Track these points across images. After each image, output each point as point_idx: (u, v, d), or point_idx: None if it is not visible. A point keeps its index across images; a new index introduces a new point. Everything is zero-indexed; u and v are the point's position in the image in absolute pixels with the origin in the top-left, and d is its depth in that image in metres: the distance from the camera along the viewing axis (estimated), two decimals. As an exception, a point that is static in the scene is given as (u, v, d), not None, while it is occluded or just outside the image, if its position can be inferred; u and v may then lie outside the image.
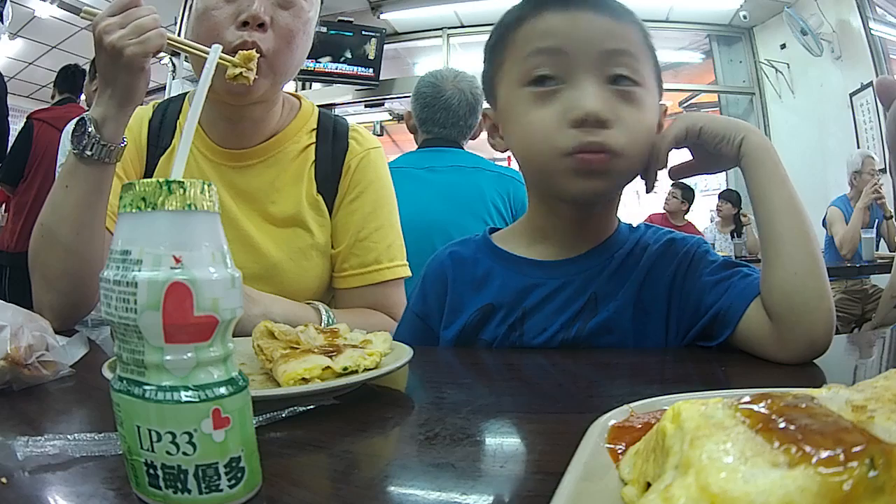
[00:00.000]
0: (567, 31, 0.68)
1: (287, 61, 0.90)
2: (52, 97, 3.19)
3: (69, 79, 3.16)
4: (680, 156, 0.74)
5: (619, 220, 0.80)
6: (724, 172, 5.59)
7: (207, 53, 0.79)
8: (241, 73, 0.81)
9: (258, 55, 0.83)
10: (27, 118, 2.98)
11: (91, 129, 0.80)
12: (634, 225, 0.81)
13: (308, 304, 0.90)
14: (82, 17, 0.80)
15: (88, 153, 0.80)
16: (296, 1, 0.89)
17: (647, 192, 0.73)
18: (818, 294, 0.63)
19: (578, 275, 0.75)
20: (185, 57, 0.84)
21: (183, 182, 0.32)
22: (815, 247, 0.65)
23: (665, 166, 0.70)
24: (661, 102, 0.75)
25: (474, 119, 1.70)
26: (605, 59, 0.67)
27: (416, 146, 1.77)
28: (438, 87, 1.69)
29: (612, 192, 0.74)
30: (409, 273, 1.02)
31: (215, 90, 0.87)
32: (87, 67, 3.22)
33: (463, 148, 1.72)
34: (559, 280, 0.75)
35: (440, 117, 1.68)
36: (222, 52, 0.81)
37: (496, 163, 1.81)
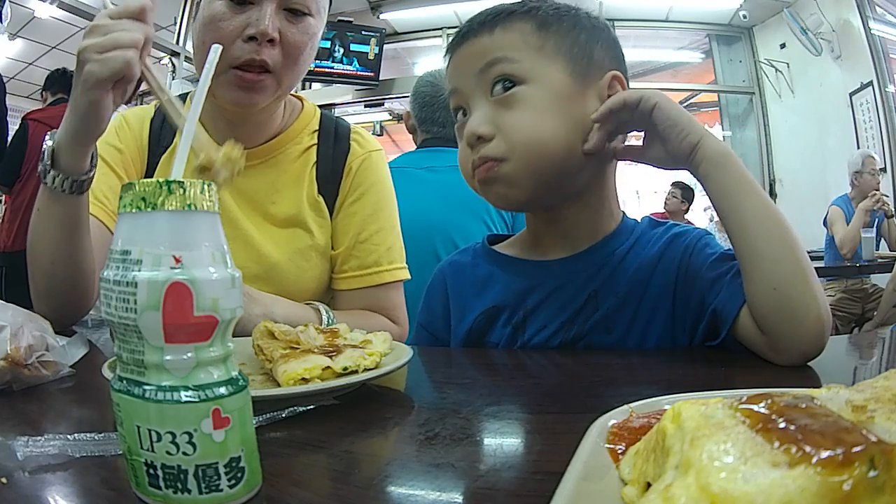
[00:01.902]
0: (456, 68, 0.74)
1: (293, 75, 0.90)
2: (45, 100, 3.19)
3: (59, 79, 3.17)
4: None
5: (624, 215, 0.79)
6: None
7: (180, 117, 0.69)
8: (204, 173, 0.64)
9: (243, 149, 0.68)
10: (22, 119, 2.98)
11: (46, 158, 0.75)
12: (638, 220, 0.81)
13: (308, 304, 0.90)
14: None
15: (49, 182, 0.75)
16: (305, 17, 0.88)
17: (586, 149, 0.68)
18: (805, 303, 0.59)
19: (578, 273, 0.75)
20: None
21: (183, 182, 0.32)
22: (797, 254, 0.61)
23: (599, 121, 0.67)
24: (612, 71, 0.71)
25: None
26: (483, 76, 0.71)
27: (416, 147, 1.77)
28: (437, 87, 1.68)
29: (530, 194, 0.71)
30: (408, 276, 1.02)
31: (219, 98, 0.87)
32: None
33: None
34: (559, 279, 0.75)
35: (439, 116, 1.68)
36: (231, 67, 0.81)
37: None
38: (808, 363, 0.60)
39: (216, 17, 0.84)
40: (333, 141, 1.02)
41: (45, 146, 0.75)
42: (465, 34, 0.73)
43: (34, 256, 0.82)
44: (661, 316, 0.72)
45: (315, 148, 1.01)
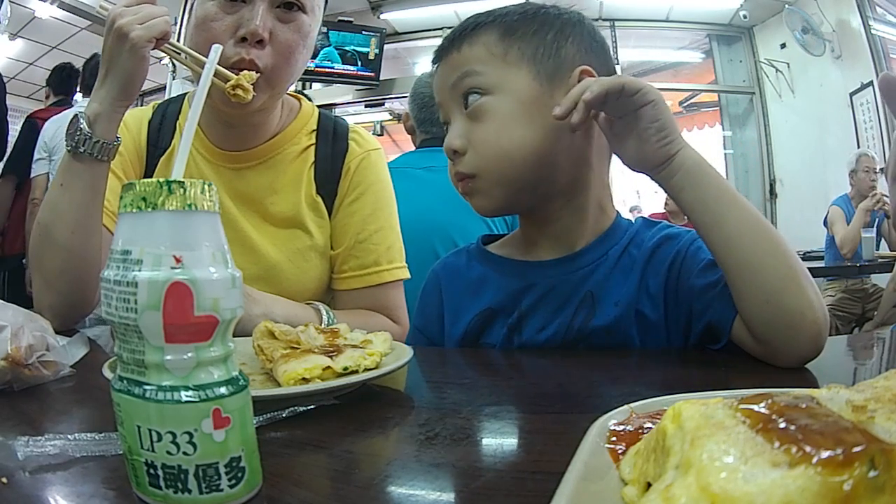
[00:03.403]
0: (437, 84, 0.77)
1: (285, 76, 0.89)
2: (47, 97, 3.19)
3: (64, 81, 3.17)
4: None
5: (618, 215, 0.79)
6: (724, 172, 5.51)
7: (203, 59, 0.80)
8: (237, 90, 0.81)
9: (257, 74, 0.83)
10: (28, 117, 2.98)
11: (83, 125, 0.81)
12: (632, 220, 0.80)
13: (308, 304, 0.90)
14: (99, 10, 0.83)
15: (81, 150, 0.81)
16: (297, 15, 0.88)
17: (573, 125, 0.64)
18: (799, 310, 0.58)
19: (572, 273, 0.75)
20: (185, 56, 0.83)
21: (183, 182, 0.32)
22: (787, 261, 0.60)
23: (593, 103, 0.62)
24: (581, 67, 0.70)
25: None
26: (455, 90, 0.73)
27: (415, 147, 1.78)
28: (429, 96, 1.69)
29: (505, 202, 0.73)
30: (408, 275, 1.02)
31: (213, 98, 0.87)
32: (80, 68, 3.22)
33: None
34: (553, 280, 0.75)
35: (438, 117, 1.68)
36: (221, 66, 0.81)
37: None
38: (809, 363, 0.61)
39: (208, 17, 0.84)
40: (332, 140, 1.01)
41: (79, 120, 0.81)
42: (441, 50, 0.76)
43: (49, 235, 0.84)
44: (654, 318, 0.72)
45: (313, 148, 1.00)
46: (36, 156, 2.73)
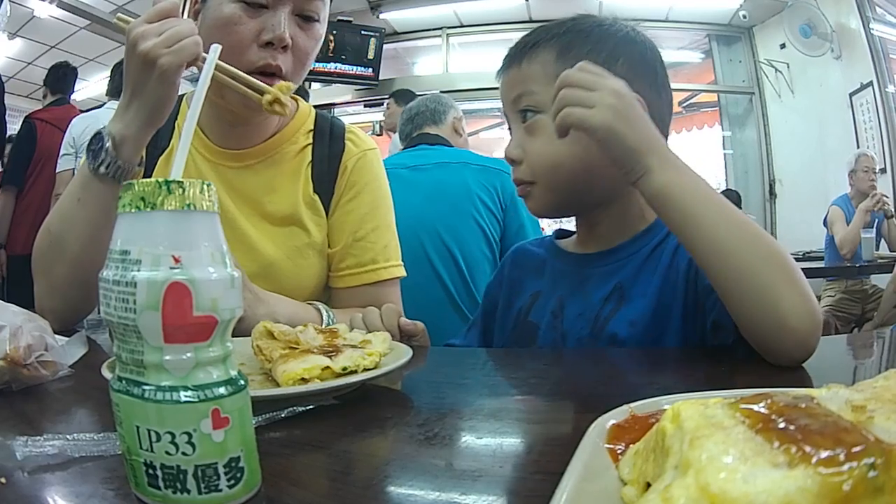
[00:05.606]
0: (501, 96, 0.83)
1: (299, 80, 0.92)
2: (45, 96, 3.19)
3: (61, 79, 3.16)
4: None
5: (657, 218, 0.81)
6: (724, 172, 5.45)
7: (261, 91, 0.80)
8: (275, 105, 0.80)
9: (294, 85, 0.84)
10: (26, 119, 2.97)
11: (108, 145, 0.79)
12: None
13: (309, 304, 0.90)
14: (116, 22, 0.80)
15: (103, 171, 0.79)
16: (313, 24, 0.89)
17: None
18: (782, 317, 0.58)
19: (606, 266, 0.80)
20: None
21: (182, 182, 0.32)
22: (770, 267, 0.59)
23: (560, 137, 0.67)
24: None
25: (439, 106, 1.86)
26: (514, 105, 0.80)
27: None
28: (408, 109, 1.88)
29: (556, 207, 0.82)
30: (404, 273, 1.03)
31: (228, 101, 0.86)
32: (78, 66, 3.21)
33: (449, 144, 1.77)
34: (589, 270, 0.81)
35: (413, 119, 1.84)
36: (244, 72, 0.80)
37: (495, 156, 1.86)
38: (808, 362, 0.60)
39: (231, 20, 0.83)
40: (329, 140, 1.02)
41: (103, 139, 0.78)
42: (504, 65, 0.82)
43: (60, 245, 0.83)
44: (675, 312, 0.74)
45: (310, 147, 1.01)
46: (63, 151, 2.72)
